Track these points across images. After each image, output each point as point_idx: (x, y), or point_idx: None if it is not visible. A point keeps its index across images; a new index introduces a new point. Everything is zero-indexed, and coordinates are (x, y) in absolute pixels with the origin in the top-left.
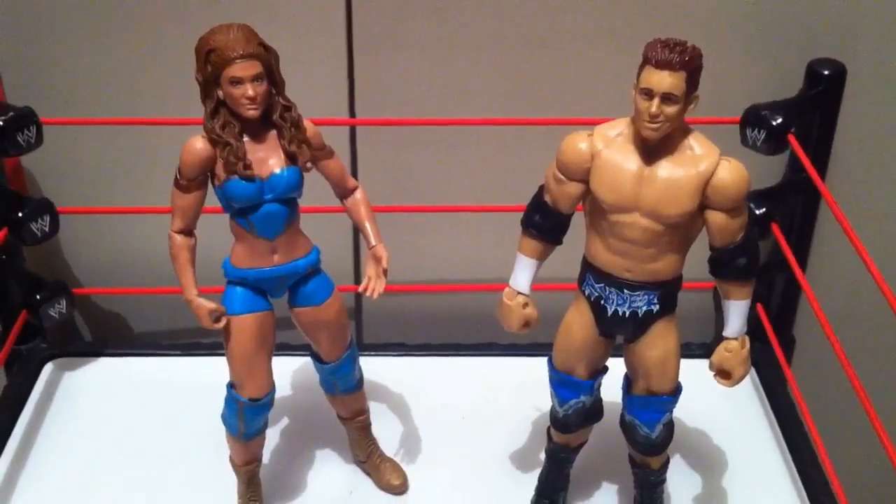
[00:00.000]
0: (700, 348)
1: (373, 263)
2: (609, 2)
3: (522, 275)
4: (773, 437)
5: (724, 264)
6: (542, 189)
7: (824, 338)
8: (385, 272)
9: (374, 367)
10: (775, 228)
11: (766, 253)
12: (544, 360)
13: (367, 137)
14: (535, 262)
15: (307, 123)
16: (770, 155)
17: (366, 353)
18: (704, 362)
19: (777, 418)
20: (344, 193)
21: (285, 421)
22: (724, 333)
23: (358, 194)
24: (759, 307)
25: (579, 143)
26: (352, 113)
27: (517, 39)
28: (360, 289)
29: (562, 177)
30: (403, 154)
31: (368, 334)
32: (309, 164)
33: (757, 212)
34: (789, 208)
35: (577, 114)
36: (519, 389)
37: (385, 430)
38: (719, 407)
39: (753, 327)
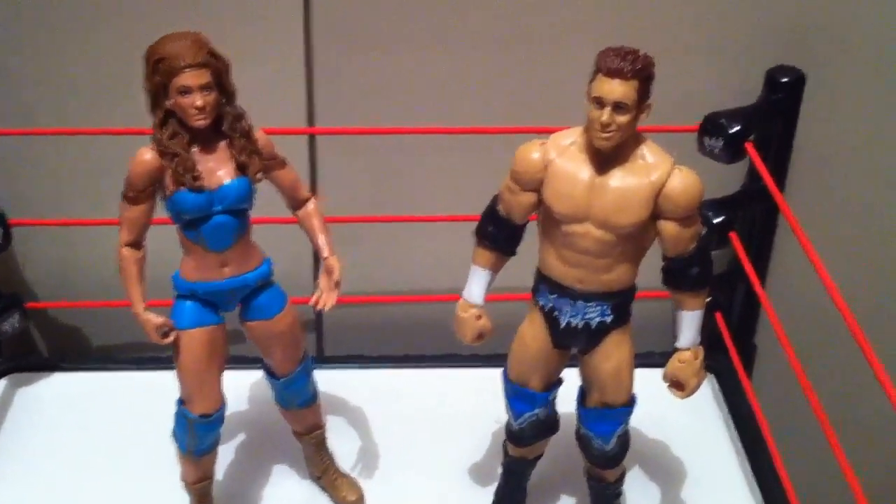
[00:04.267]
0: (662, 357)
1: (325, 276)
2: (577, 7)
3: (476, 286)
4: (733, 447)
5: (677, 274)
6: (496, 199)
7: (784, 348)
8: (337, 284)
9: (333, 380)
10: (734, 237)
11: (725, 262)
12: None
13: (328, 146)
14: (489, 273)
15: (258, 133)
16: (728, 163)
17: (326, 365)
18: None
19: (737, 427)
20: (296, 204)
21: (239, 436)
22: (677, 344)
23: (310, 205)
24: (719, 316)
25: (532, 153)
26: (310, 121)
27: (485, 42)
28: (312, 301)
29: (515, 186)
30: (365, 163)
31: (329, 346)
32: (260, 175)
33: (715, 220)
34: (748, 217)
35: (546, 122)
36: (480, 400)
37: (343, 445)
38: (680, 416)
39: (714, 336)
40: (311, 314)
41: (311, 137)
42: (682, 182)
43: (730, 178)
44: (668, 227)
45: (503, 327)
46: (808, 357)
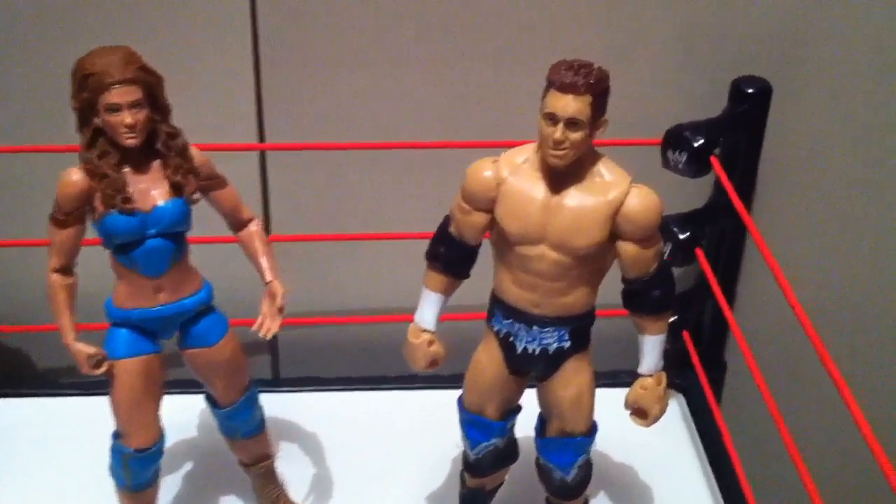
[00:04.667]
0: (629, 376)
1: (268, 301)
2: (535, 19)
3: (428, 310)
4: (700, 468)
5: (638, 297)
6: (447, 219)
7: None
8: (281, 310)
9: (288, 404)
10: (700, 254)
11: (692, 279)
12: None
13: (279, 162)
14: (441, 297)
15: (195, 151)
16: (692, 178)
17: (281, 388)
18: None
19: (705, 448)
20: (238, 226)
21: (183, 466)
22: (639, 370)
23: (253, 227)
24: (686, 334)
25: (484, 171)
26: (261, 138)
27: (438, 56)
28: (254, 327)
29: (466, 206)
30: (317, 180)
31: (286, 368)
32: (197, 196)
33: (681, 236)
34: (715, 232)
35: (501, 136)
36: (440, 424)
37: (296, 472)
38: (646, 436)
39: (681, 355)
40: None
41: (262, 154)
42: (641, 201)
43: (697, 192)
44: (627, 248)
45: (463, 346)
46: (776, 375)
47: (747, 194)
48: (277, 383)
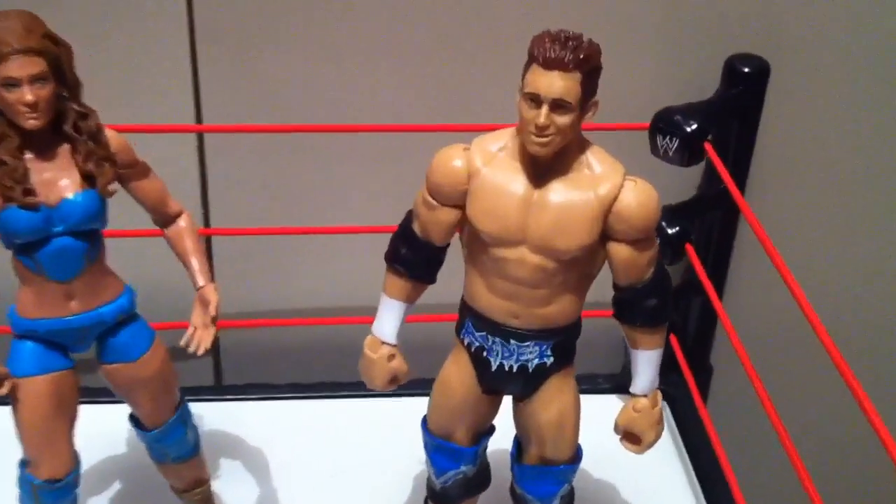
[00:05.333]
0: (608, 381)
1: (199, 309)
2: None
3: (388, 321)
4: (687, 480)
5: (631, 306)
6: (409, 215)
7: (742, 367)
8: (214, 320)
9: (232, 414)
10: (690, 250)
11: (679, 274)
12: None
13: (219, 146)
14: (403, 305)
15: (111, 134)
16: (684, 166)
17: (224, 396)
18: (612, 398)
19: (691, 459)
20: (164, 221)
21: (106, 489)
22: (632, 390)
23: (182, 222)
24: (672, 337)
25: (453, 160)
26: (198, 118)
27: (398, 29)
28: (182, 342)
29: (432, 201)
30: (264, 166)
31: (230, 374)
32: (113, 187)
33: (669, 231)
34: (705, 226)
35: (474, 118)
36: (402, 438)
37: (238, 495)
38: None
39: (666, 358)
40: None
41: (200, 137)
42: (637, 197)
43: (678, 183)
44: (619, 251)
45: (432, 347)
46: (769, 377)
47: (740, 184)
48: (219, 390)
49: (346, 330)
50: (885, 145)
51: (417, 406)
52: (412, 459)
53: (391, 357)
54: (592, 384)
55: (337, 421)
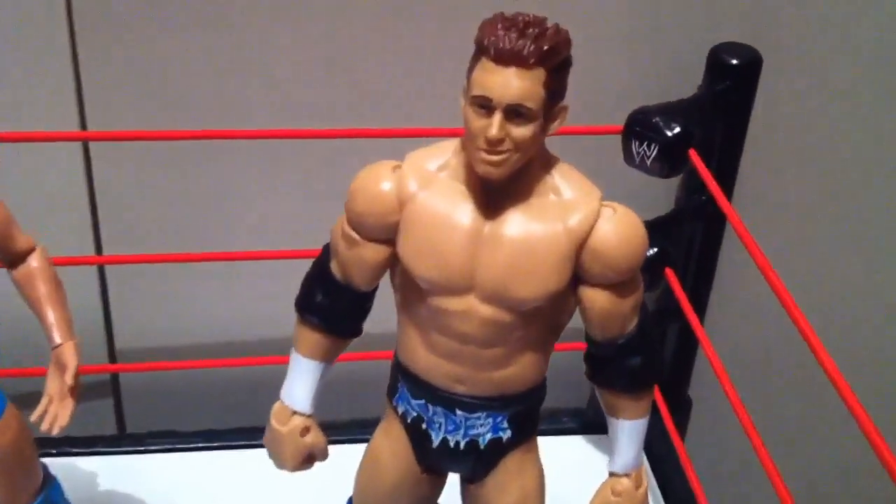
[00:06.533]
0: (572, 419)
1: (55, 375)
2: None
3: (300, 385)
4: None
5: (608, 366)
6: (326, 252)
7: (725, 401)
8: (73, 390)
9: (135, 467)
10: (670, 273)
11: (654, 299)
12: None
13: (106, 155)
14: (320, 366)
15: None
16: (665, 177)
17: (125, 448)
18: (577, 439)
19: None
20: (11, 259)
21: None
22: (611, 468)
23: (34, 261)
24: None
25: (379, 183)
26: (83, 124)
27: (302, 22)
28: (34, 417)
29: (354, 235)
30: (161, 181)
31: (132, 420)
32: None
33: (648, 253)
34: (683, 240)
35: (407, 121)
36: (333, 491)
37: None
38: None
39: None
40: (107, 376)
41: (85, 146)
42: (617, 229)
43: (651, 188)
44: (596, 298)
45: (370, 385)
46: (756, 410)
47: (726, 194)
48: (121, 440)
49: (260, 371)
50: (890, 142)
51: (349, 455)
52: None
53: (305, 431)
54: (555, 423)
55: (255, 473)
